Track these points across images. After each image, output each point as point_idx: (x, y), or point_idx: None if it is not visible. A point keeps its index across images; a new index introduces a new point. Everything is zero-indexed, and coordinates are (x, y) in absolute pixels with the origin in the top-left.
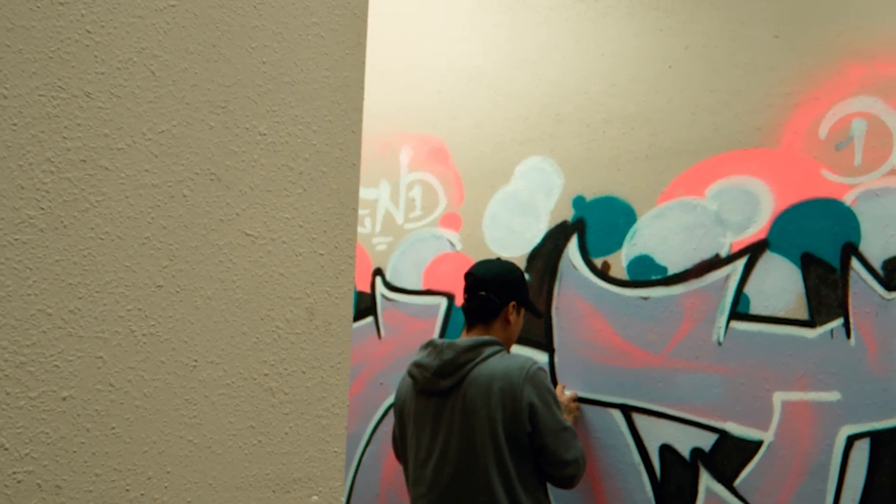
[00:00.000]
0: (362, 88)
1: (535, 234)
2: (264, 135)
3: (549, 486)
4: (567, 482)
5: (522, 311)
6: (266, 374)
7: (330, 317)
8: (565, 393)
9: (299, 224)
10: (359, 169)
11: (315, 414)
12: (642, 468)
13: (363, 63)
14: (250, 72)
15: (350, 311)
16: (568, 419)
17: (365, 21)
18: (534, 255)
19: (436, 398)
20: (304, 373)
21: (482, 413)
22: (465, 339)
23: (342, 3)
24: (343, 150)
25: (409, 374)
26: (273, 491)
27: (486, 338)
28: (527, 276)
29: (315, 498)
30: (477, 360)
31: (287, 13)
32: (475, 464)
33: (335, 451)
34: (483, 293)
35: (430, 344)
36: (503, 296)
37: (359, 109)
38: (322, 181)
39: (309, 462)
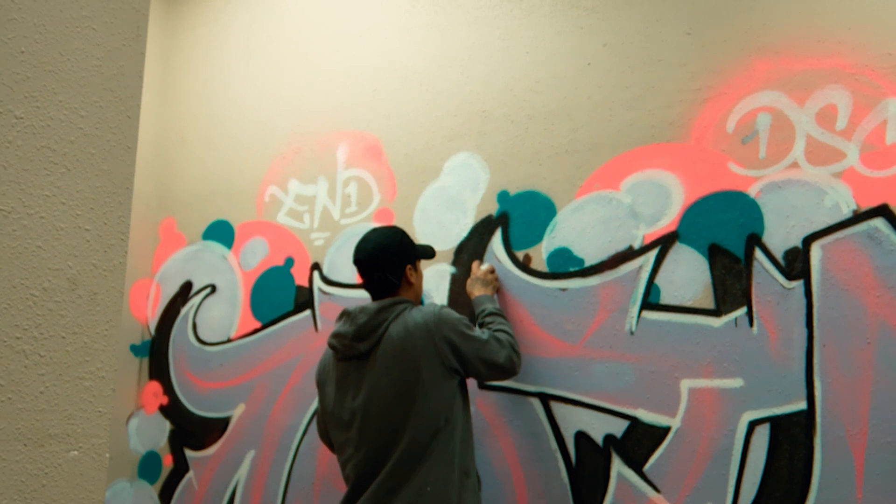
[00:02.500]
0: (140, 77)
1: (462, 228)
2: (21, 118)
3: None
4: (511, 374)
5: (418, 264)
6: (18, 338)
7: (96, 287)
8: (481, 268)
9: (61, 201)
10: (134, 152)
11: (76, 376)
12: (559, 454)
13: (142, 54)
14: (6, 60)
15: (122, 283)
16: (487, 291)
17: (145, 14)
18: (460, 249)
19: (356, 361)
20: (63, 338)
21: (404, 365)
22: (375, 302)
23: None
24: (116, 134)
25: (329, 345)
26: (24, 444)
27: (396, 298)
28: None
29: (74, 453)
30: (390, 318)
31: (52, 6)
32: (399, 417)
33: (99, 411)
34: (378, 274)
35: (343, 313)
36: (396, 266)
37: (136, 97)
38: (90, 162)
39: (68, 420)
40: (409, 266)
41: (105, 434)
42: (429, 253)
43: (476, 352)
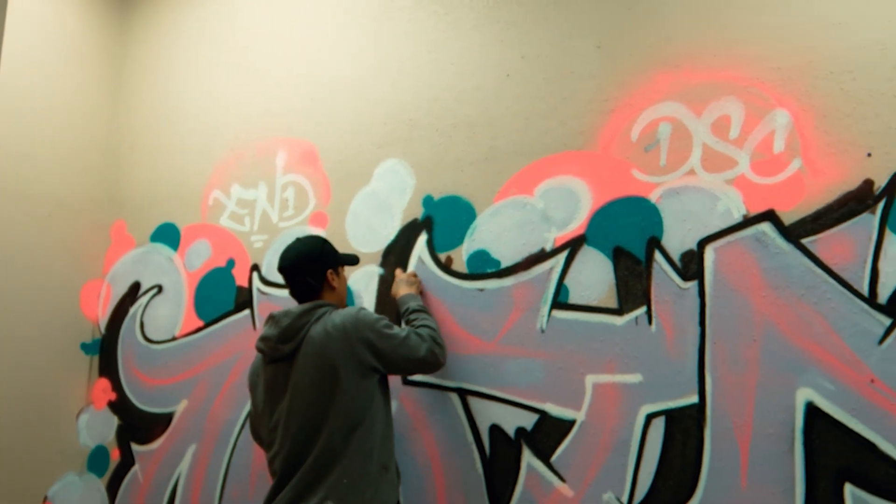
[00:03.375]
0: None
1: (390, 231)
2: None
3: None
4: (435, 367)
5: (341, 270)
6: None
7: None
8: (405, 273)
9: None
10: None
11: None
12: (474, 447)
13: None
14: None
15: None
16: (412, 290)
17: None
18: (388, 251)
19: (282, 363)
20: None
21: (323, 366)
22: (299, 306)
23: None
24: None
25: (257, 348)
26: None
27: (318, 301)
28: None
29: None
30: (311, 320)
31: None
32: (319, 415)
33: None
34: (301, 280)
35: (269, 317)
36: (318, 272)
37: None
38: None
39: None
40: (330, 271)
41: None
42: (351, 260)
43: (395, 349)
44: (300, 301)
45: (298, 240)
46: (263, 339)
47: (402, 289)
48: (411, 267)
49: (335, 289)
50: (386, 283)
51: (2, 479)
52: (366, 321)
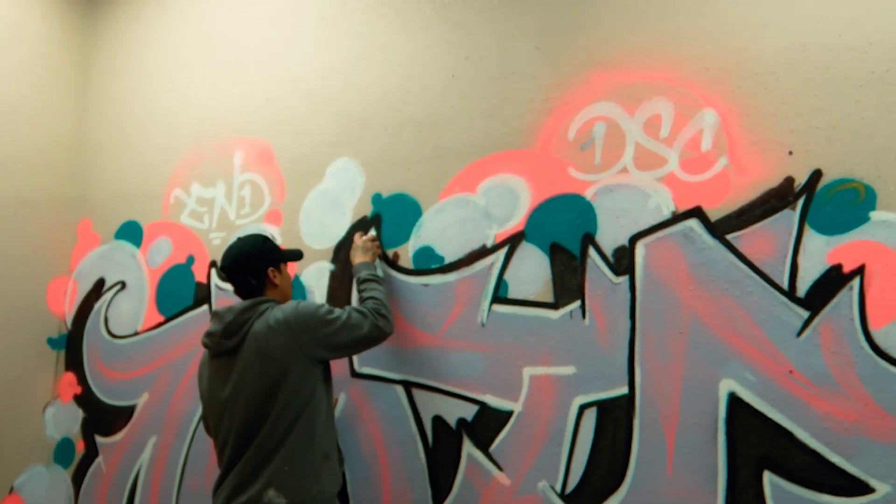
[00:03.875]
0: None
1: (340, 228)
2: None
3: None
4: (381, 339)
5: (283, 267)
6: None
7: None
8: (363, 237)
9: None
10: None
11: None
12: (418, 437)
13: None
14: None
15: None
16: (367, 258)
17: None
18: (339, 247)
19: (225, 358)
20: None
21: (266, 359)
22: (242, 302)
23: None
24: None
25: (203, 343)
26: None
27: (260, 298)
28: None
29: None
30: (254, 316)
31: None
32: (262, 406)
33: None
34: (242, 279)
35: (214, 314)
36: (259, 270)
37: None
38: None
39: None
40: (271, 269)
41: None
42: (294, 256)
43: (338, 332)
44: (243, 298)
45: (240, 239)
46: (208, 334)
47: (357, 256)
48: None
49: (277, 286)
50: (336, 279)
51: None
52: (306, 312)
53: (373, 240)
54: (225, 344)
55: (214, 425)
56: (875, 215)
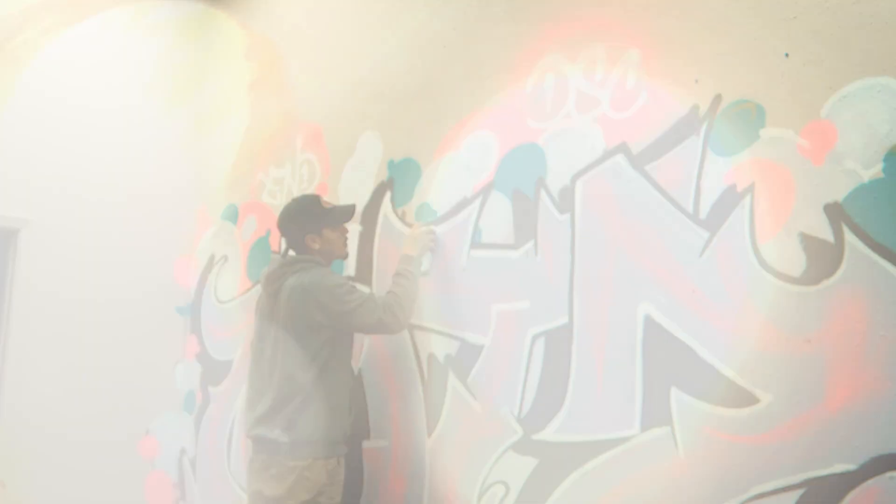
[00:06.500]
0: None
1: (366, 192)
2: None
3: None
4: (385, 332)
5: (325, 231)
6: None
7: None
8: (419, 229)
9: None
10: None
11: None
12: (417, 373)
13: None
14: None
15: None
16: (412, 250)
17: None
18: (365, 210)
19: (270, 299)
20: None
21: (286, 314)
22: (289, 256)
23: None
24: None
25: (259, 282)
26: None
27: (300, 256)
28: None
29: None
30: (290, 272)
31: None
32: (285, 352)
33: None
34: (287, 239)
35: (271, 260)
36: (296, 234)
37: None
38: None
39: None
40: (308, 236)
41: None
42: (342, 216)
43: (347, 313)
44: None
45: (293, 200)
46: (263, 276)
47: (406, 246)
48: (380, 224)
49: (318, 249)
50: (363, 239)
51: (113, 414)
52: (324, 285)
53: (428, 232)
54: (269, 288)
55: (252, 348)
56: (764, 132)
